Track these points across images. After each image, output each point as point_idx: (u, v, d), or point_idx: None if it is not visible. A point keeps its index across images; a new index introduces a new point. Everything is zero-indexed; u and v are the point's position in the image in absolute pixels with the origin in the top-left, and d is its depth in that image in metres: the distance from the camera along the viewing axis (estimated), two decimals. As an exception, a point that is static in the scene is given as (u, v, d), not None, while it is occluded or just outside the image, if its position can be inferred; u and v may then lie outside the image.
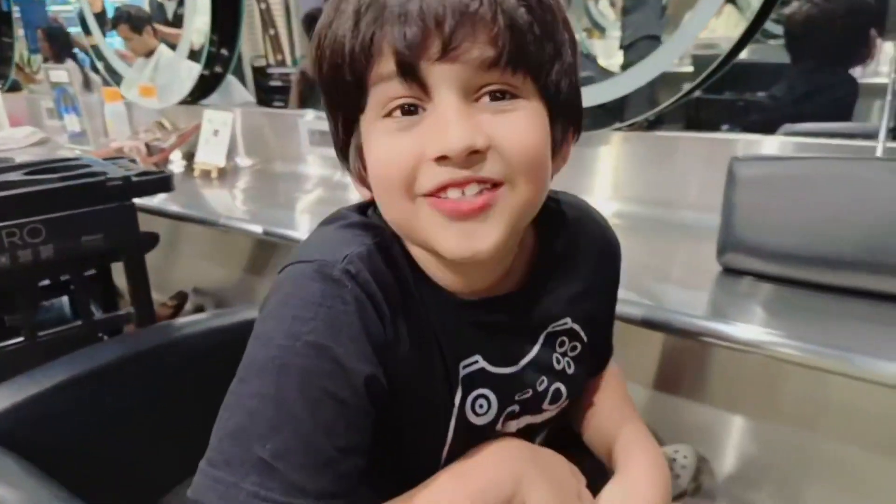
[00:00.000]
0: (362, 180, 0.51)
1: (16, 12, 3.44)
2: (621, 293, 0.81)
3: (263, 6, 4.04)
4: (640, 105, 1.39)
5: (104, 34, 2.66)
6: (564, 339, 0.59)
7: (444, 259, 0.49)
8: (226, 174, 1.95)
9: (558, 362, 0.59)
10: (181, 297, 1.96)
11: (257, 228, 1.42)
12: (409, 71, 0.42)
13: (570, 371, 0.60)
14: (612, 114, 1.40)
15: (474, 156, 0.43)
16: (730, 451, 1.16)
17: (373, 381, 0.47)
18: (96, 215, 1.07)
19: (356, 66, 0.44)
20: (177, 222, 1.64)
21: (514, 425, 0.58)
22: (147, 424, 0.82)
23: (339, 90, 0.47)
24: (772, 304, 0.90)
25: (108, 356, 0.83)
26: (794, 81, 1.65)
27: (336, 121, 0.50)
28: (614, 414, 0.66)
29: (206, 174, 1.94)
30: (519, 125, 0.45)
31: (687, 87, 1.31)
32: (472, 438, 0.55)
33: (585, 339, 0.61)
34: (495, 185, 0.45)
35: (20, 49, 3.42)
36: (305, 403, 0.44)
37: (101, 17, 2.69)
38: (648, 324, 0.90)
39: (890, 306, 0.85)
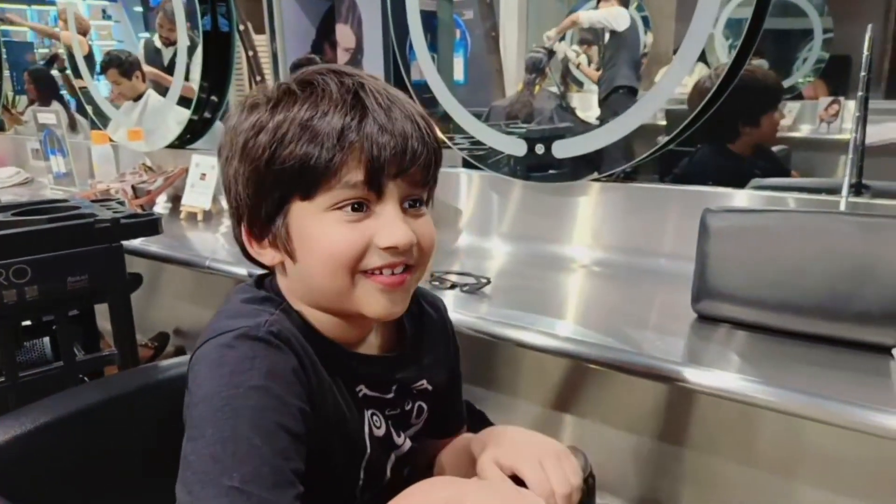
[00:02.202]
0: (276, 248, 0.61)
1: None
2: (599, 339, 0.83)
3: (251, 54, 4.14)
4: (617, 157, 1.45)
5: (93, 78, 2.70)
6: (420, 395, 0.72)
7: (343, 321, 0.63)
8: (211, 217, 1.96)
9: (418, 395, 0.71)
10: (162, 339, 1.95)
11: (242, 270, 1.44)
12: (375, 183, 0.57)
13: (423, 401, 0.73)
14: (590, 165, 1.46)
15: (411, 248, 0.59)
16: (708, 498, 1.17)
17: (306, 416, 0.56)
18: (83, 257, 1.08)
19: (328, 171, 0.55)
20: (158, 263, 1.64)
21: (405, 442, 0.70)
22: (130, 467, 0.82)
23: (293, 181, 0.57)
24: (744, 351, 0.94)
25: (91, 398, 0.83)
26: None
27: (267, 197, 0.59)
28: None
29: (192, 216, 1.95)
30: (428, 226, 0.61)
31: (661, 139, 1.37)
32: (382, 451, 0.67)
33: (434, 399, 0.73)
34: (409, 267, 0.60)
35: (5, 90, 3.44)
36: (262, 435, 0.51)
37: (88, 59, 2.73)
38: (627, 370, 0.93)
39: (851, 353, 0.89)
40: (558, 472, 0.58)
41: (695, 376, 0.86)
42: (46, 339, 1.23)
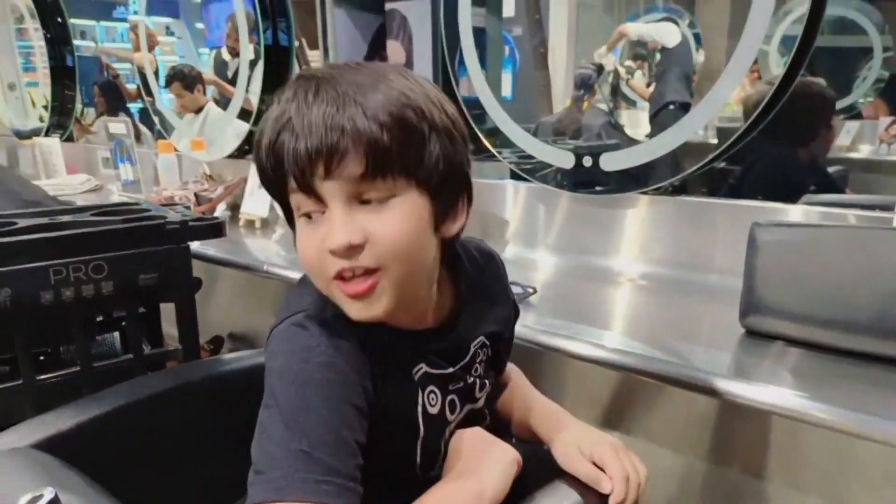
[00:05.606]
0: None
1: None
2: (646, 351, 0.84)
3: (306, 68, 4.28)
4: (665, 172, 1.45)
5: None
6: (479, 351, 0.75)
7: None
8: (268, 224, 2.04)
9: (480, 362, 0.75)
10: (217, 342, 2.03)
11: (297, 275, 1.49)
12: (306, 188, 0.57)
13: (484, 368, 0.76)
14: (637, 181, 1.47)
15: (354, 250, 0.57)
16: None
17: (367, 393, 0.60)
18: (154, 255, 1.15)
19: (277, 179, 0.58)
20: (214, 267, 1.72)
21: (458, 416, 0.72)
22: (194, 449, 0.87)
23: (274, 196, 0.62)
24: (791, 367, 0.93)
25: (161, 385, 0.89)
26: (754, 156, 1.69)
27: (279, 203, 0.64)
28: (527, 392, 0.86)
29: (250, 224, 2.04)
30: (392, 221, 0.57)
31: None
32: (436, 429, 0.69)
33: (491, 348, 0.77)
34: (376, 269, 0.58)
35: (76, 102, 3.64)
36: (329, 406, 0.56)
37: (155, 75, 2.88)
38: (673, 381, 0.93)
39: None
40: (632, 461, 0.69)
41: (742, 390, 0.87)
42: (116, 334, 1.31)
